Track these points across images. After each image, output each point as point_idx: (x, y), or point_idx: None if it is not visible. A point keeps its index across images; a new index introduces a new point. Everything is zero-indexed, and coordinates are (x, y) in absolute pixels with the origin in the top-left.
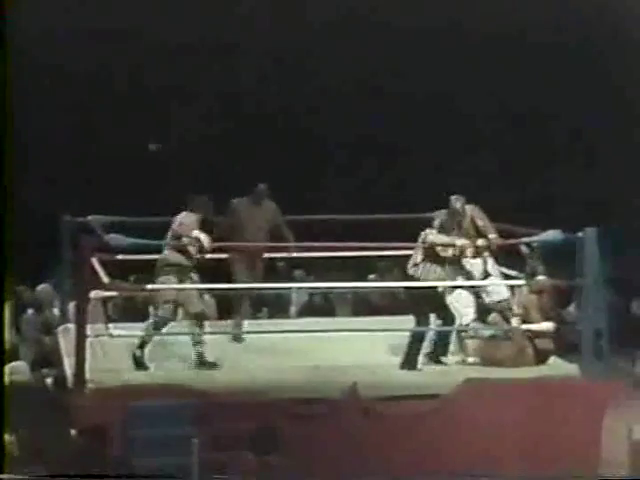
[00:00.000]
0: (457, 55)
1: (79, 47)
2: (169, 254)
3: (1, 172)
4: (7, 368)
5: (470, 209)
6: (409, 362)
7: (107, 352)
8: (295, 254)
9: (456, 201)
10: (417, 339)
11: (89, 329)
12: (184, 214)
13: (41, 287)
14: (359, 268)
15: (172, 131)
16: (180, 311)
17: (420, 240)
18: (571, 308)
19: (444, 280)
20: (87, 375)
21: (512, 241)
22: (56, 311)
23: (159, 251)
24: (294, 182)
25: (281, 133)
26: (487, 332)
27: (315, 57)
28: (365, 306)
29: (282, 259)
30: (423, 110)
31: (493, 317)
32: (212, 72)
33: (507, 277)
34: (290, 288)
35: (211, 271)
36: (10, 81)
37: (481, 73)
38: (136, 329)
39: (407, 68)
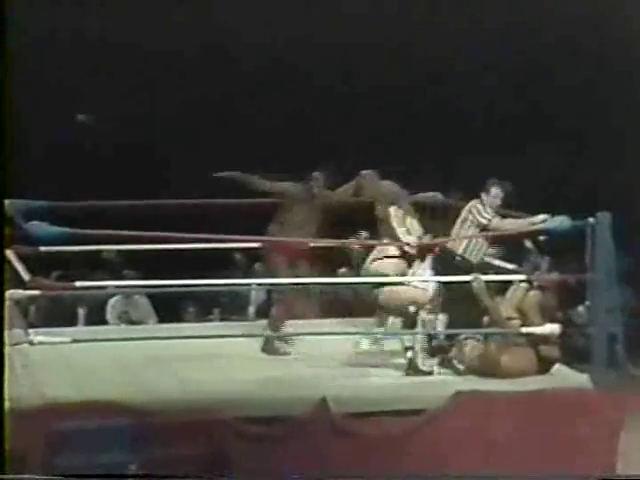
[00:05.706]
0: None
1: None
2: None
3: None
4: None
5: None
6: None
7: (27, 363)
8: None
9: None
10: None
11: (6, 336)
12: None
13: None
14: None
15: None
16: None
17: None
18: (581, 308)
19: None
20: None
21: (509, 226)
22: None
23: (89, 242)
24: None
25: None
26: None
27: None
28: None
29: None
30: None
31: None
32: None
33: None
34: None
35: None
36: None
37: None
38: (62, 335)
39: None
